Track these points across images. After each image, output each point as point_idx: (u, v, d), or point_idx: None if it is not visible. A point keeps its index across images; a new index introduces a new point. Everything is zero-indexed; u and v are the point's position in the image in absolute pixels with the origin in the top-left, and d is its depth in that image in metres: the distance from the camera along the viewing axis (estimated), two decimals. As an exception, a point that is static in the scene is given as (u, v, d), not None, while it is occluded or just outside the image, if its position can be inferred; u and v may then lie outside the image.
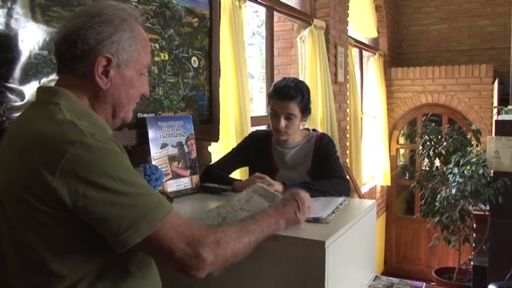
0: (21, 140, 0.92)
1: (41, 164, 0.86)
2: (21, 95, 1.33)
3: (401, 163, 6.28)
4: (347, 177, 2.13)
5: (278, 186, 1.73)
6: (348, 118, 4.44)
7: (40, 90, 1.06)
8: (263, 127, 3.14)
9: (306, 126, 2.37)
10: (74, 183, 0.85)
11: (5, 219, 0.95)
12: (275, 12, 3.26)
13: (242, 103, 2.46)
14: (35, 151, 0.88)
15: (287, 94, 1.91)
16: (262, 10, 3.28)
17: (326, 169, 1.92)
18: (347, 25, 4.34)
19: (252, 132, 2.22)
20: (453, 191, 3.70)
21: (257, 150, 2.05)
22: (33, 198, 0.87)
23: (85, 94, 1.01)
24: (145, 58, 1.08)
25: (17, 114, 1.30)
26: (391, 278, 1.74)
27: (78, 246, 0.92)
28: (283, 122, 1.92)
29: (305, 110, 1.97)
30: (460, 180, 3.61)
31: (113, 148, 0.91)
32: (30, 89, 1.35)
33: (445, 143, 4.08)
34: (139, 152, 1.75)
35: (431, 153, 4.20)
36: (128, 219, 0.87)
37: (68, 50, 0.99)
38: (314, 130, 2.12)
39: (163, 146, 1.81)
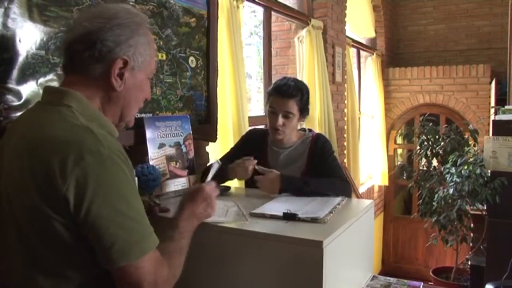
0: (36, 142, 0.91)
1: (55, 168, 0.86)
2: (18, 95, 1.33)
3: (398, 163, 6.29)
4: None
5: (272, 174, 1.75)
6: (345, 118, 4.44)
7: (49, 91, 1.04)
8: (261, 127, 3.15)
9: (303, 126, 2.37)
10: (82, 192, 0.86)
11: (12, 219, 0.94)
12: (272, 12, 3.27)
13: (240, 103, 2.46)
14: (50, 154, 0.88)
15: (287, 91, 1.92)
16: (259, 10, 3.28)
17: (325, 170, 1.92)
18: (345, 25, 4.35)
19: (250, 130, 2.23)
20: (451, 191, 3.70)
21: (252, 149, 2.04)
22: (44, 201, 0.88)
23: (97, 95, 1.02)
24: (154, 63, 1.12)
25: (14, 114, 1.30)
26: (388, 278, 1.75)
27: (84, 248, 0.91)
28: (280, 120, 1.92)
29: (304, 110, 1.98)
30: (458, 180, 3.61)
31: (124, 164, 0.92)
32: (27, 89, 1.35)
33: (442, 143, 4.09)
34: (136, 152, 1.75)
35: (428, 153, 4.20)
36: (122, 240, 0.88)
37: (85, 50, 0.98)
38: (310, 130, 2.11)
39: (161, 146, 1.81)
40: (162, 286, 0.94)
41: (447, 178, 3.78)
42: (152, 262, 0.92)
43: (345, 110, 4.44)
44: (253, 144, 2.06)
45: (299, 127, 2.11)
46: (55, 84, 1.41)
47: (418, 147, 4.33)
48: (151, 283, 0.91)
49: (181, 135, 1.90)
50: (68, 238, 0.90)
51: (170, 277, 0.98)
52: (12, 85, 1.31)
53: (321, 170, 1.92)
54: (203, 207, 1.21)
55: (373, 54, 5.63)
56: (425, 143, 4.20)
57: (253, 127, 2.40)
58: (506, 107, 3.63)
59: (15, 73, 1.32)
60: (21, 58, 1.33)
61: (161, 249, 0.97)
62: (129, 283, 0.91)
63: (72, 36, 1.01)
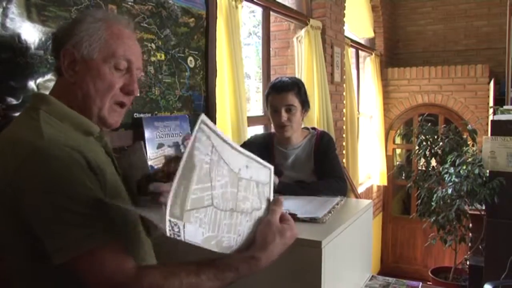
0: None
1: (0, 166, 0.89)
2: (17, 95, 1.33)
3: (397, 163, 6.30)
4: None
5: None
6: (344, 118, 4.44)
7: (31, 96, 1.08)
8: (260, 128, 3.15)
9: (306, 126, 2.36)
10: (21, 187, 0.86)
11: None
12: (271, 12, 3.27)
13: (238, 103, 2.46)
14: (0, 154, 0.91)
15: (283, 86, 1.94)
16: (258, 10, 3.28)
17: (324, 168, 1.92)
18: (344, 25, 4.35)
19: (251, 136, 2.22)
20: (449, 191, 3.71)
21: (258, 154, 2.02)
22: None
23: (65, 92, 1.03)
24: (117, 50, 1.03)
25: (12, 114, 1.30)
26: (387, 278, 1.75)
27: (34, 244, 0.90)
28: (284, 115, 1.92)
29: (304, 103, 1.99)
30: (456, 180, 3.61)
31: (70, 158, 0.89)
32: (26, 89, 1.35)
33: (441, 143, 4.09)
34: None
35: (427, 153, 4.21)
36: (60, 235, 0.84)
37: (52, 54, 1.09)
38: (313, 128, 2.11)
39: (160, 146, 1.81)
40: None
41: (446, 178, 3.78)
42: (98, 259, 0.84)
43: (344, 110, 4.44)
44: (258, 148, 1.96)
45: (302, 125, 2.10)
46: (53, 84, 1.41)
47: (417, 147, 4.33)
48: (97, 282, 0.84)
49: (180, 135, 1.90)
50: (22, 239, 0.90)
51: None
52: (10, 85, 1.31)
53: (321, 167, 1.92)
54: (279, 242, 0.94)
55: (371, 54, 5.63)
56: (424, 143, 4.21)
57: (253, 132, 2.39)
58: (505, 107, 3.64)
59: (13, 73, 1.32)
60: (19, 58, 1.33)
61: (167, 267, 0.86)
62: (83, 279, 0.86)
63: None
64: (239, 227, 0.89)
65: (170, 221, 0.73)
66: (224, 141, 0.83)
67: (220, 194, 0.83)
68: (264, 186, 0.95)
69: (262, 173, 0.95)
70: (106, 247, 0.85)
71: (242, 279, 0.91)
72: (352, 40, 4.87)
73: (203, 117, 0.76)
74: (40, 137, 0.90)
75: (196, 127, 0.75)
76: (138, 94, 1.21)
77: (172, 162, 1.12)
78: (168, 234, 0.74)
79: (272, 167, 0.98)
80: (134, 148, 1.24)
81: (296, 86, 1.96)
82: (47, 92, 1.09)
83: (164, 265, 0.89)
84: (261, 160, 0.94)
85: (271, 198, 0.98)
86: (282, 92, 1.93)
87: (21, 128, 0.94)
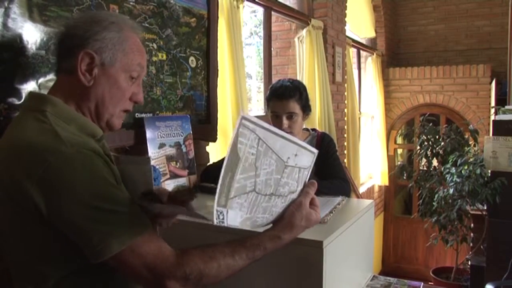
0: (6, 149, 0.93)
1: (21, 172, 0.87)
2: (18, 94, 1.33)
3: (399, 163, 6.29)
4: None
5: None
6: (346, 118, 4.44)
7: (30, 97, 1.06)
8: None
9: (304, 126, 2.36)
10: (50, 194, 0.86)
11: None
12: (273, 12, 3.27)
13: (240, 103, 2.46)
14: (16, 159, 0.89)
15: (285, 93, 1.91)
16: (260, 10, 3.28)
17: (326, 170, 1.92)
18: (345, 25, 4.35)
19: None
20: (451, 191, 3.70)
21: None
22: (15, 205, 0.89)
23: (73, 94, 1.02)
24: (134, 60, 1.06)
25: (14, 114, 1.30)
26: (389, 278, 1.75)
27: (59, 248, 0.92)
28: (285, 123, 1.91)
29: (306, 108, 1.97)
30: (458, 180, 3.61)
31: (93, 160, 0.91)
32: (27, 89, 1.35)
33: (442, 143, 4.09)
34: (136, 152, 1.75)
35: (428, 153, 4.21)
36: (99, 234, 0.86)
37: (57, 48, 1.03)
38: (313, 129, 2.11)
39: (161, 146, 1.81)
40: (164, 276, 0.88)
41: (447, 178, 3.78)
42: (139, 253, 0.88)
43: (345, 110, 4.44)
44: None
45: (304, 126, 2.10)
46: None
47: (418, 147, 4.33)
48: (143, 274, 0.88)
49: (181, 135, 1.90)
50: (44, 238, 0.91)
51: (192, 276, 0.89)
52: (12, 84, 1.31)
53: (323, 169, 1.92)
54: (304, 225, 1.04)
55: (373, 54, 5.63)
56: (425, 143, 4.20)
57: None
58: (506, 107, 3.63)
59: (15, 72, 1.32)
60: (21, 58, 1.33)
61: (204, 251, 0.92)
62: (126, 272, 0.91)
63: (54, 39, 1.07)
64: (274, 208, 0.98)
65: (217, 210, 0.82)
66: (275, 133, 0.90)
67: (263, 180, 0.91)
68: (304, 170, 1.02)
69: (306, 159, 1.01)
70: (144, 239, 0.89)
71: (241, 280, 0.95)
72: (353, 40, 4.87)
73: (243, 114, 0.83)
74: (59, 141, 0.89)
75: (237, 125, 0.82)
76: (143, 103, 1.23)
77: (179, 192, 1.14)
78: (215, 222, 0.83)
79: (316, 152, 1.04)
80: (140, 161, 1.22)
81: (298, 92, 1.93)
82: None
83: (199, 248, 0.93)
84: (309, 146, 1.01)
85: (307, 180, 1.06)
86: (284, 100, 1.91)
87: (34, 133, 0.92)
